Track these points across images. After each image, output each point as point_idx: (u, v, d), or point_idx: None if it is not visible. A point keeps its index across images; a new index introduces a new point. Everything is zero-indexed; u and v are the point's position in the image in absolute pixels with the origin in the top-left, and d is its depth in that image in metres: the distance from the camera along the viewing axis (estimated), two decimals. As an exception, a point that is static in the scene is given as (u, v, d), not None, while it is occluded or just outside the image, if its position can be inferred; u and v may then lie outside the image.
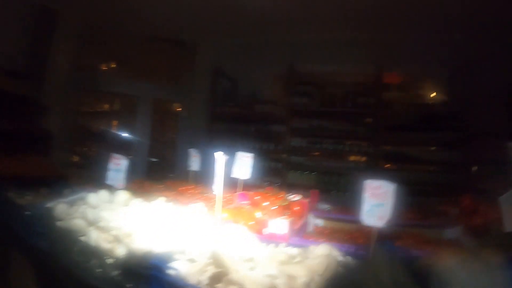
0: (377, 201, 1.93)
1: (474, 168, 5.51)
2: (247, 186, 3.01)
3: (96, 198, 2.22)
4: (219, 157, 1.88)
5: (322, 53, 6.65)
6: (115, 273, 1.63)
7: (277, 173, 6.47)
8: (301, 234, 2.51)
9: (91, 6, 6.76)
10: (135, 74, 8.35)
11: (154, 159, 7.99)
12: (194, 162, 3.41)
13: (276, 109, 6.65)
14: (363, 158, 6.26)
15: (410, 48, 5.99)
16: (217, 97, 7.49)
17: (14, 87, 5.94)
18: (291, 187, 4.73)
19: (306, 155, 6.50)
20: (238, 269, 1.43)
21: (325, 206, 3.46)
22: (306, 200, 2.92)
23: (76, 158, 8.18)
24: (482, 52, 5.38)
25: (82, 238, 1.86)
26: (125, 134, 7.93)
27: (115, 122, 9.40)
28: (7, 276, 2.86)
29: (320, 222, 3.08)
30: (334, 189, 6.12)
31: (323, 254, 1.71)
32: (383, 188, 1.92)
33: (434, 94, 6.49)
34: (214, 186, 1.89)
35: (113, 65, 8.93)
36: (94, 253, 1.73)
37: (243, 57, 7.48)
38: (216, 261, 1.44)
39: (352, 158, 6.41)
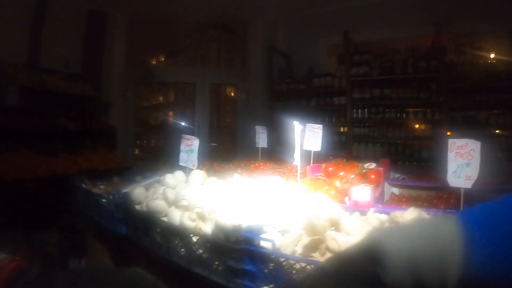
0: (464, 161, 1.80)
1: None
2: (318, 160, 2.94)
3: (173, 178, 2.21)
4: (297, 126, 1.80)
5: (378, 19, 6.43)
6: (201, 251, 1.60)
7: (340, 146, 6.36)
8: (380, 202, 2.43)
9: (138, 2, 6.85)
10: (189, 62, 8.41)
11: (214, 144, 8.06)
12: (262, 139, 3.37)
13: (335, 81, 6.50)
14: (428, 125, 6.02)
15: (470, 5, 5.68)
16: (274, 75, 7.41)
17: (75, 89, 6.14)
18: (356, 159, 4.62)
19: (369, 126, 6.32)
20: (334, 237, 1.35)
21: (397, 175, 3.36)
22: (381, 169, 2.81)
23: (140, 149, 8.38)
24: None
25: (164, 219, 1.84)
26: (184, 122, 8.04)
27: (171, 113, 9.54)
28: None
29: (395, 190, 2.98)
30: (400, 159, 5.95)
31: (414, 218, 1.61)
32: (469, 146, 1.79)
33: (501, 51, 6.12)
34: (294, 155, 1.81)
35: (167, 56, 9.04)
36: (177, 233, 1.70)
37: (297, 31, 7.38)
38: (310, 230, 1.37)
39: (416, 126, 6.18)
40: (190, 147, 2.25)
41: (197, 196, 1.82)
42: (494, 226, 0.65)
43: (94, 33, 7.12)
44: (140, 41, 8.14)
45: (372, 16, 6.60)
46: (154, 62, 9.43)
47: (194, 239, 1.62)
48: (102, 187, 2.92)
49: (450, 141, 1.85)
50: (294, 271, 1.28)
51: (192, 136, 2.26)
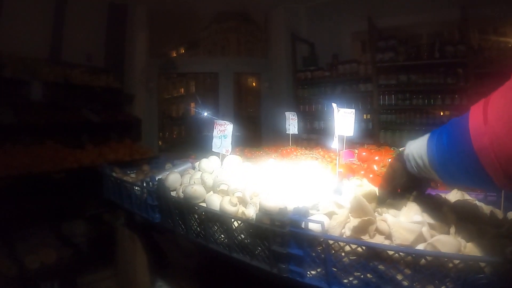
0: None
1: None
2: (350, 145, 2.89)
3: (209, 163, 2.18)
4: (335, 108, 1.76)
5: (401, 4, 6.33)
6: (243, 236, 1.57)
7: (367, 133, 6.30)
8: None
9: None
10: (209, 53, 8.42)
11: (238, 133, 8.05)
12: (292, 125, 3.32)
13: (360, 67, 6.43)
14: (456, 111, 5.90)
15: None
16: (297, 63, 7.38)
17: (98, 82, 6.21)
18: (385, 146, 4.55)
19: (396, 113, 6.23)
20: (381, 219, 1.30)
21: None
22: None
23: (162, 141, 8.42)
24: None
25: (202, 205, 1.81)
26: (207, 112, 8.04)
27: (193, 104, 9.55)
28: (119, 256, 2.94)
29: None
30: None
31: (458, 199, 1.57)
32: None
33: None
34: (334, 138, 1.76)
35: (187, 47, 9.06)
36: (218, 218, 1.67)
37: (319, 18, 7.31)
38: (359, 211, 1.32)
39: (444, 112, 6.07)
40: (223, 132, 2.22)
41: (236, 181, 1.79)
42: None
43: (115, 26, 7.15)
44: (161, 33, 8.15)
45: (395, 1, 6.49)
46: (174, 54, 9.43)
47: (236, 224, 1.58)
48: (132, 175, 2.91)
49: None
50: (343, 254, 1.24)
51: (226, 122, 2.22)
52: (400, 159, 1.39)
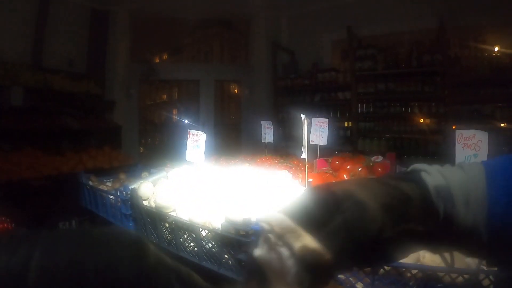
0: (472, 152, 1.80)
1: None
2: (324, 154, 2.94)
3: (180, 173, 2.21)
4: (304, 119, 1.80)
5: (381, 13, 6.42)
6: (210, 245, 1.60)
7: (346, 140, 6.38)
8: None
9: (140, 0, 6.87)
10: (193, 59, 8.44)
11: (219, 140, 8.06)
12: (268, 134, 3.37)
13: (339, 76, 6.51)
14: (433, 119, 6.01)
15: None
16: (278, 71, 7.43)
17: (79, 88, 6.18)
18: (361, 153, 4.62)
19: (374, 120, 6.31)
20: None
21: (403, 168, 3.35)
22: (388, 162, 2.80)
23: (144, 147, 8.40)
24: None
25: (172, 214, 1.84)
26: (189, 120, 8.04)
27: (175, 111, 9.56)
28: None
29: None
30: (406, 153, 5.94)
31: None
32: (476, 137, 1.78)
33: (507, 44, 6.09)
34: (302, 149, 1.81)
35: (170, 53, 9.07)
36: (187, 228, 1.70)
37: (300, 27, 7.38)
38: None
39: (421, 120, 6.17)
40: (197, 142, 2.25)
41: (206, 191, 1.83)
42: None
43: (97, 31, 7.13)
44: (143, 39, 8.15)
45: (375, 10, 6.59)
46: (157, 60, 9.43)
47: (204, 233, 1.62)
48: (108, 184, 2.93)
49: (458, 132, 1.85)
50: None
51: (199, 131, 2.25)
52: (413, 186, 0.69)
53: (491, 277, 1.05)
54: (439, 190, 0.67)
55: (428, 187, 0.68)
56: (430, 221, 0.67)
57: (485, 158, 1.75)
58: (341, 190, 0.66)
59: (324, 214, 0.63)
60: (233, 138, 8.35)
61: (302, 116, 1.79)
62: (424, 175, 0.70)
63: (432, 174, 0.70)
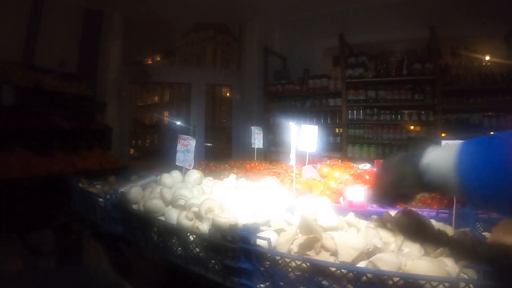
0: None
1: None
2: (313, 161, 2.97)
3: (170, 178, 2.23)
4: (293, 127, 1.83)
5: (373, 21, 6.49)
6: (198, 250, 1.62)
7: (335, 147, 6.42)
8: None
9: (134, 1, 6.87)
10: (185, 62, 8.45)
11: (210, 144, 8.07)
12: (257, 139, 3.39)
13: (330, 82, 6.55)
14: (423, 127, 6.07)
15: (465, 8, 5.74)
16: (269, 76, 7.46)
17: (70, 89, 6.16)
18: (351, 160, 4.65)
19: (364, 127, 6.36)
20: (329, 236, 1.38)
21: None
22: (375, 169, 2.83)
23: (135, 149, 8.39)
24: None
25: (161, 218, 1.86)
26: (179, 122, 8.04)
27: (166, 113, 9.56)
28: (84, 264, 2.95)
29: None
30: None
31: (409, 218, 1.65)
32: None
33: (496, 55, 6.17)
34: (290, 156, 1.84)
35: (163, 56, 9.07)
36: (175, 232, 1.72)
37: (292, 33, 7.42)
38: (306, 229, 1.39)
39: (411, 127, 6.22)
40: (187, 147, 2.27)
41: (194, 196, 1.85)
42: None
43: (90, 32, 7.12)
44: (136, 41, 8.14)
45: (368, 18, 6.66)
46: (150, 62, 9.43)
47: (191, 238, 1.64)
48: (98, 186, 2.93)
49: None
50: (289, 269, 1.30)
51: (189, 136, 2.28)
52: (412, 165, 1.23)
53: (471, 285, 1.07)
54: (428, 165, 1.14)
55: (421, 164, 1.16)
56: (418, 185, 1.21)
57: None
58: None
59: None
60: (224, 141, 8.37)
61: (291, 123, 1.82)
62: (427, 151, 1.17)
63: (427, 156, 1.16)
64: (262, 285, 1.39)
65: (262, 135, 3.41)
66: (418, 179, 1.20)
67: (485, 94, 5.54)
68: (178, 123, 8.15)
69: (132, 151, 8.44)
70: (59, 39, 6.56)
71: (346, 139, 6.40)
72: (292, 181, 2.34)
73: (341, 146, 6.44)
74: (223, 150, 7.95)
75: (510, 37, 5.69)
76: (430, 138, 5.78)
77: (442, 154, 1.12)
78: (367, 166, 2.71)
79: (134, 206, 2.11)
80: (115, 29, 7.45)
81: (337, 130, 6.74)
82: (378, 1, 6.40)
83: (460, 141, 1.10)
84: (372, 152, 6.21)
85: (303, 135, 2.71)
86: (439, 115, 5.76)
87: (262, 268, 1.38)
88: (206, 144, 7.89)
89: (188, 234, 1.64)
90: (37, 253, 4.49)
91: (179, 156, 2.30)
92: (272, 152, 6.55)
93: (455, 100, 5.76)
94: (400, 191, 1.31)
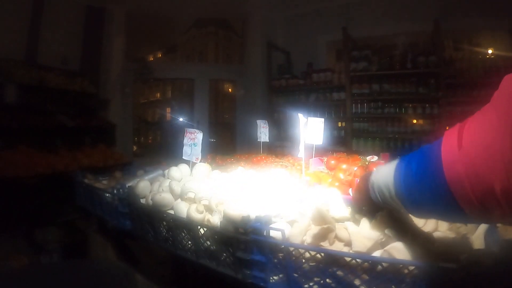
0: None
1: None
2: (319, 153, 2.95)
3: (178, 171, 2.21)
4: (301, 119, 1.81)
5: (376, 15, 6.46)
6: (209, 243, 1.61)
7: (340, 140, 6.40)
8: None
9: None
10: (187, 58, 8.43)
11: (213, 139, 8.07)
12: (263, 133, 3.38)
13: (334, 76, 6.53)
14: (427, 120, 6.04)
15: (469, 0, 5.71)
16: (273, 71, 7.44)
17: (74, 86, 6.16)
18: (356, 153, 4.64)
19: (368, 121, 6.34)
20: (343, 226, 1.36)
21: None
22: (382, 162, 2.81)
23: (138, 146, 8.39)
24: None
25: (170, 212, 1.85)
26: (183, 118, 8.04)
27: (168, 109, 9.56)
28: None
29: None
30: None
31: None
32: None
33: (500, 48, 6.13)
34: (299, 147, 1.82)
35: (165, 52, 9.06)
36: (185, 226, 1.71)
37: (295, 27, 7.40)
38: (319, 220, 1.38)
39: (415, 120, 6.20)
40: (194, 140, 2.25)
41: (203, 189, 1.83)
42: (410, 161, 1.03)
43: (92, 29, 7.11)
44: (138, 37, 8.13)
45: (371, 11, 6.63)
46: (152, 59, 9.42)
47: (202, 231, 1.62)
48: (104, 182, 2.93)
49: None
50: (303, 260, 1.29)
51: (196, 130, 2.26)
52: (365, 184, 1.32)
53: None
54: (373, 184, 1.23)
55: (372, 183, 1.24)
56: (370, 203, 1.31)
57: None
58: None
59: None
60: (228, 137, 8.36)
61: (300, 115, 1.81)
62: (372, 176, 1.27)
63: (373, 175, 1.27)
64: (275, 277, 1.38)
65: (268, 128, 3.39)
66: (369, 197, 1.29)
67: (489, 87, 5.49)
68: (181, 119, 8.13)
69: (135, 148, 8.45)
70: (61, 37, 6.55)
71: (350, 133, 6.38)
72: (301, 173, 2.33)
73: (345, 140, 6.42)
74: (227, 145, 7.94)
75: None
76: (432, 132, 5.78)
77: (384, 172, 1.18)
78: (374, 158, 2.68)
79: (142, 201, 2.10)
80: (117, 25, 7.43)
81: (340, 124, 6.73)
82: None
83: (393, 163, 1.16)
84: (377, 146, 6.19)
85: (309, 128, 2.70)
86: (443, 108, 5.74)
87: (276, 260, 1.36)
88: (210, 139, 7.87)
89: (199, 227, 1.63)
90: (42, 250, 4.50)
91: (186, 149, 2.28)
92: (277, 146, 6.52)
93: (459, 93, 5.73)
94: (362, 207, 1.44)
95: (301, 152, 1.84)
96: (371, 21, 6.64)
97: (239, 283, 1.47)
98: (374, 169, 1.30)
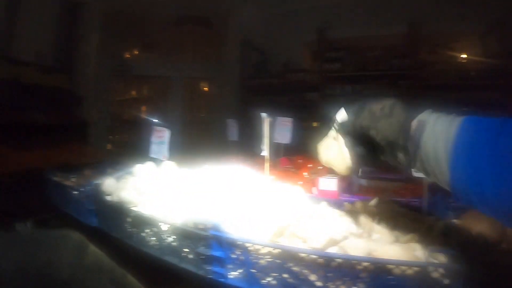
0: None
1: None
2: (287, 152, 3.00)
3: (143, 169, 2.23)
4: (264, 118, 1.85)
5: (353, 17, 6.53)
6: (171, 239, 1.63)
7: (313, 140, 6.45)
8: (348, 192, 2.49)
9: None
10: (165, 55, 8.38)
11: (189, 138, 8.05)
12: (233, 132, 3.42)
13: (308, 76, 6.59)
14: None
15: (444, 6, 5.82)
16: (248, 70, 7.46)
17: (48, 81, 6.08)
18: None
19: (341, 121, 6.41)
20: (301, 223, 1.40)
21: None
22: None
23: (113, 144, 8.32)
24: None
25: (135, 209, 1.87)
26: (158, 117, 7.99)
27: (144, 108, 9.49)
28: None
29: (363, 182, 3.04)
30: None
31: (382, 206, 1.69)
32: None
33: (472, 51, 6.27)
34: (262, 147, 1.86)
35: (142, 49, 8.97)
36: (148, 222, 1.73)
37: (273, 27, 7.43)
38: (277, 217, 1.42)
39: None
40: (161, 138, 2.28)
41: (168, 186, 1.86)
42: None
43: (68, 24, 7.02)
44: (115, 33, 8.06)
45: (347, 13, 6.70)
46: (128, 56, 9.34)
47: (164, 227, 1.65)
48: (73, 180, 2.92)
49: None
50: (261, 256, 1.33)
51: (163, 128, 2.28)
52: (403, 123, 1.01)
53: (440, 269, 1.10)
54: (420, 120, 0.98)
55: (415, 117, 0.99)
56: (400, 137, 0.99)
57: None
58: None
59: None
60: (203, 136, 8.34)
61: (263, 114, 1.84)
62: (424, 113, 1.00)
63: (427, 113, 1.01)
64: (234, 273, 1.41)
65: (237, 128, 3.43)
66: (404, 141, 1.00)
67: (462, 89, 5.64)
68: (157, 117, 8.09)
69: (110, 146, 8.37)
70: (36, 31, 6.46)
71: (324, 133, 6.44)
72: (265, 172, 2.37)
73: (319, 140, 6.47)
74: (202, 143, 7.92)
75: (487, 34, 5.79)
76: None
77: (443, 123, 0.93)
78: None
79: (109, 198, 2.11)
80: (94, 21, 7.35)
81: (315, 124, 6.78)
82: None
83: (460, 117, 0.91)
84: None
85: (278, 127, 2.74)
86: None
87: (234, 256, 1.40)
88: (185, 137, 7.85)
89: (161, 223, 1.65)
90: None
91: (154, 147, 2.30)
92: (250, 146, 6.57)
93: (433, 95, 5.84)
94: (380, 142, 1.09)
95: (265, 151, 1.87)
96: (348, 22, 6.71)
97: (201, 279, 1.50)
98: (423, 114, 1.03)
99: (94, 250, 0.65)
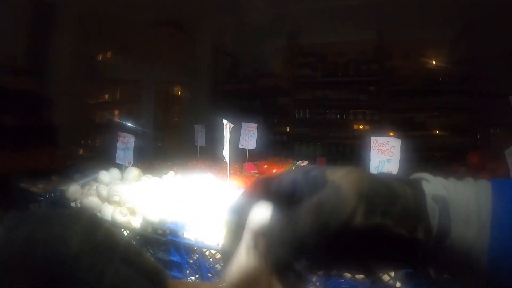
0: (385, 157, 1.94)
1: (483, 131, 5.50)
2: (255, 158, 3.05)
3: (107, 175, 2.26)
4: (226, 124, 1.90)
5: (324, 23, 6.63)
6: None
7: (283, 145, 6.53)
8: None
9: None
10: (136, 59, 8.34)
11: (159, 143, 8.04)
12: (200, 137, 3.46)
13: (279, 82, 6.66)
14: (369, 126, 6.26)
15: (412, 14, 5.95)
16: (219, 75, 7.49)
17: (18, 84, 6.01)
18: (297, 158, 4.76)
19: (311, 126, 6.50)
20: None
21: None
22: (315, 166, 2.93)
23: (82, 149, 8.24)
24: (490, 11, 5.28)
25: (97, 214, 1.90)
26: (129, 122, 7.95)
27: (117, 111, 9.44)
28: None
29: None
30: (341, 158, 6.15)
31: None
32: (390, 143, 1.93)
33: (439, 57, 6.43)
34: (224, 153, 1.91)
35: (116, 52, 8.92)
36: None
37: (245, 32, 7.47)
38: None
39: (357, 126, 6.41)
40: (126, 144, 2.30)
41: (130, 193, 1.89)
42: None
43: (40, 26, 6.92)
44: (88, 36, 8.00)
45: (318, 20, 6.78)
46: (101, 59, 9.28)
47: (125, 233, 1.68)
48: (40, 186, 2.91)
49: (373, 139, 1.98)
50: (216, 261, 1.38)
51: (128, 134, 2.31)
52: (406, 188, 0.57)
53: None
54: (436, 198, 0.56)
55: (424, 194, 0.56)
56: (414, 228, 0.54)
57: (397, 164, 1.89)
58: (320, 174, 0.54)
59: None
60: (175, 141, 8.33)
61: (224, 121, 1.89)
62: (424, 183, 0.58)
63: (433, 183, 0.58)
64: (192, 277, 1.46)
65: (205, 133, 3.47)
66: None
67: (429, 94, 5.79)
68: (129, 122, 8.05)
69: (82, 150, 8.30)
70: (7, 32, 6.37)
71: (293, 138, 6.53)
72: (230, 177, 2.42)
73: (288, 145, 6.55)
74: (173, 149, 7.91)
75: (454, 41, 5.96)
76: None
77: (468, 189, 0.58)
78: (305, 162, 2.80)
79: (73, 204, 2.13)
80: (67, 23, 7.26)
81: (286, 129, 6.86)
82: (329, 3, 6.50)
83: (487, 182, 0.58)
84: (319, 151, 6.35)
85: (243, 132, 2.79)
86: (384, 114, 5.97)
87: (191, 261, 1.44)
88: (157, 143, 7.85)
89: (122, 229, 1.69)
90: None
91: (119, 153, 2.33)
92: (220, 151, 6.59)
93: (401, 100, 5.98)
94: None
95: (226, 157, 1.92)
96: (318, 29, 6.79)
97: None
98: (429, 177, 0.60)
99: (107, 228, 0.67)
